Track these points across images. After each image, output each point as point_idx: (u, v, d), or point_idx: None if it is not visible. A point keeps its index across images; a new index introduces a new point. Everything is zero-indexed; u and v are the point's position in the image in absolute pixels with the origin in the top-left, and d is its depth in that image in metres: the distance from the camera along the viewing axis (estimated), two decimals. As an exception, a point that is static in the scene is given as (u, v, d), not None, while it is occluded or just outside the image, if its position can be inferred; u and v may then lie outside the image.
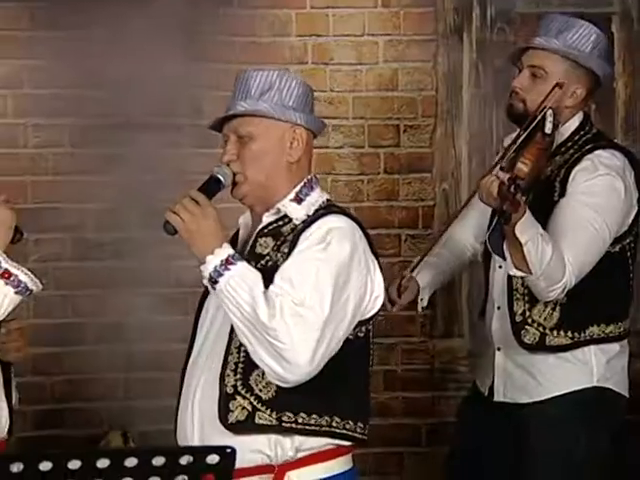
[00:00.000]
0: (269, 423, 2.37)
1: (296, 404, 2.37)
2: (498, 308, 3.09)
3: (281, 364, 2.31)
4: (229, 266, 2.35)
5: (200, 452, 1.97)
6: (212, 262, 2.36)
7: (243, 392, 2.37)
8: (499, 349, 3.10)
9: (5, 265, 2.28)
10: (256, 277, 2.37)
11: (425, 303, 3.23)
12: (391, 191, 4.15)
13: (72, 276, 3.97)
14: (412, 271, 3.21)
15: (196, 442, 2.40)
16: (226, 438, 2.32)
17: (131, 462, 1.90)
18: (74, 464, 1.86)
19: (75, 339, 3.96)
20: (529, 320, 3.01)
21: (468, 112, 4.15)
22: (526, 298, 3.00)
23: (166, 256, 3.89)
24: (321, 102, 4.08)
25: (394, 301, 3.17)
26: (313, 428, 2.39)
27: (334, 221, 2.44)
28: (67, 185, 3.97)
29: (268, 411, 2.36)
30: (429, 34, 4.12)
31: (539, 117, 2.93)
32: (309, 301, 2.33)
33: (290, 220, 2.48)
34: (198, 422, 2.41)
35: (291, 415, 2.37)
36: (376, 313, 2.47)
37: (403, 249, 4.11)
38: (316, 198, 2.51)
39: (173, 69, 3.91)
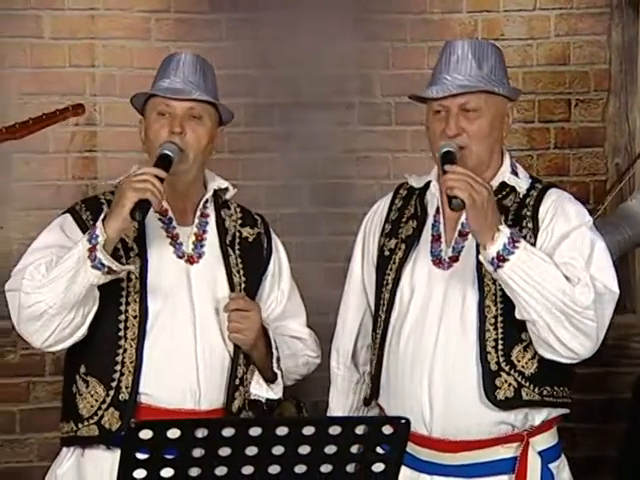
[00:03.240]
0: (533, 398, 2.39)
1: (552, 378, 2.40)
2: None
3: (581, 341, 2.31)
4: (516, 244, 2.28)
5: (376, 422, 2.00)
6: (501, 239, 2.28)
7: (507, 369, 2.37)
8: None
9: (97, 241, 2.33)
10: (543, 254, 2.32)
11: None
12: (562, 166, 4.10)
13: (247, 251, 4.07)
14: None
15: (439, 414, 2.39)
16: (483, 412, 2.36)
17: (308, 430, 1.94)
18: (255, 431, 1.92)
19: (250, 312, 4.06)
20: None
21: (643, 85, 4.06)
22: None
23: (335, 231, 3.96)
24: (490, 78, 4.06)
25: None
26: (562, 400, 2.44)
27: (561, 192, 2.46)
28: (242, 162, 4.06)
29: (532, 386, 2.38)
30: (603, 6, 4.03)
31: None
32: (605, 279, 2.33)
33: (510, 193, 2.46)
34: (441, 394, 2.39)
35: (549, 389, 2.40)
36: None
37: (574, 225, 4.04)
38: (522, 169, 2.52)
39: (344, 48, 3.95)
